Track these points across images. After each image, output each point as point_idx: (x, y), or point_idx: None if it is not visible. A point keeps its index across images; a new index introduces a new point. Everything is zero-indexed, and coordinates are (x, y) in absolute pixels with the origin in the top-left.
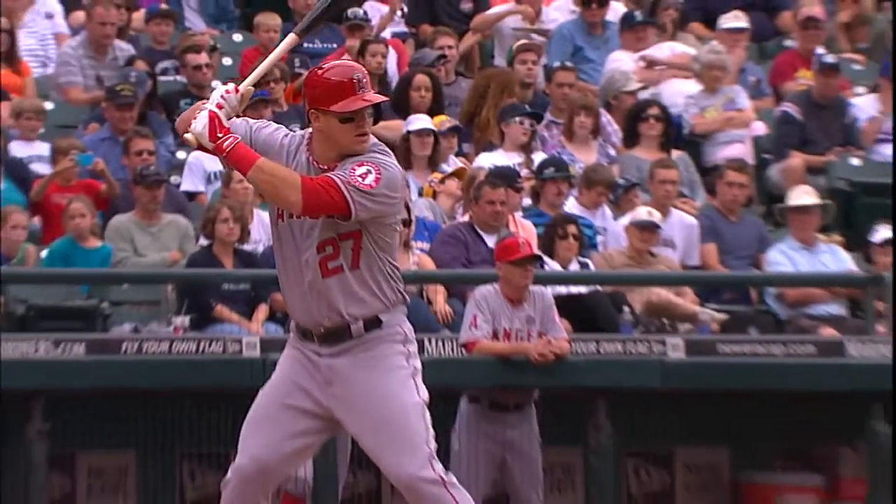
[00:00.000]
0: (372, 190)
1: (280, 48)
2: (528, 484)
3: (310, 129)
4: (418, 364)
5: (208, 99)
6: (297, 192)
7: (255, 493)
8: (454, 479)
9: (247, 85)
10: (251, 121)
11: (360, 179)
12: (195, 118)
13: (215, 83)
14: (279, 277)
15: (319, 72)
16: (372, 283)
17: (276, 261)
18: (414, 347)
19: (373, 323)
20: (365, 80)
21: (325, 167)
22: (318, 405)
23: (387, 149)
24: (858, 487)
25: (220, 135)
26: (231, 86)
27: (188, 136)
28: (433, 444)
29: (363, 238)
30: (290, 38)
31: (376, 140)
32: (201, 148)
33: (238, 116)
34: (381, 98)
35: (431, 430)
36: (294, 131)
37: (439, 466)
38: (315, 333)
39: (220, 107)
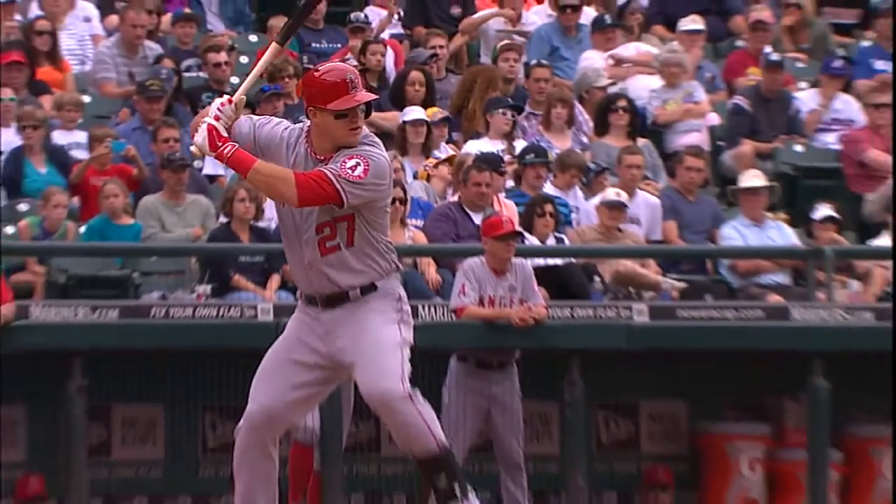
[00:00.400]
0: (361, 180)
1: (265, 58)
2: (510, 433)
3: (307, 123)
4: (408, 318)
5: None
6: (291, 188)
7: (262, 437)
8: (420, 397)
9: (239, 95)
10: (254, 118)
11: (350, 171)
12: (196, 132)
13: (234, 79)
14: (285, 253)
15: (316, 74)
16: (366, 258)
17: (282, 239)
18: (406, 307)
19: (369, 288)
20: (357, 81)
21: (322, 157)
22: (320, 356)
23: (376, 139)
24: (801, 436)
25: (219, 144)
26: (225, 98)
27: (192, 147)
28: (407, 370)
29: (356, 220)
30: (273, 48)
31: (367, 132)
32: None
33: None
34: (371, 96)
35: (408, 364)
36: (295, 123)
37: (408, 386)
38: (318, 299)
39: (217, 118)
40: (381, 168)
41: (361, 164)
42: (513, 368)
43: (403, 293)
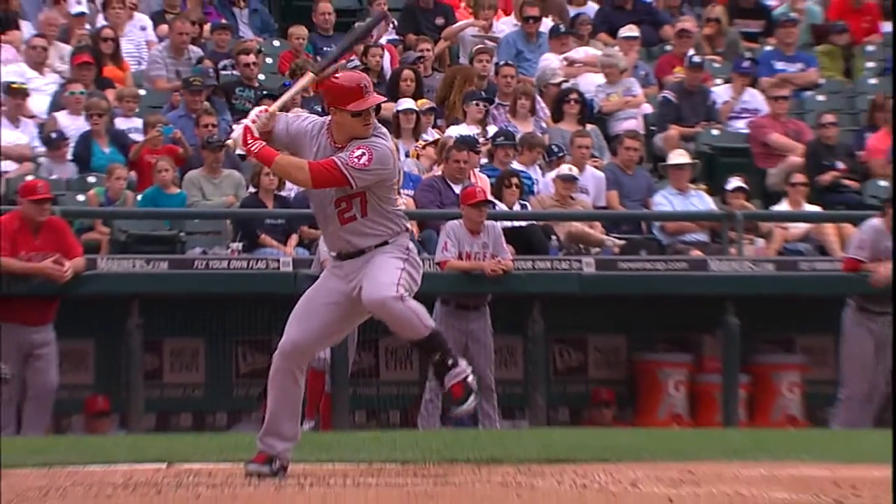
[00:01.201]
0: (366, 167)
1: (301, 84)
2: (484, 362)
3: (328, 118)
4: (414, 262)
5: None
6: (305, 174)
7: (291, 366)
8: (411, 298)
9: (274, 108)
10: (288, 115)
11: (356, 160)
12: (235, 129)
13: (261, 76)
14: (318, 222)
15: (336, 80)
16: (378, 224)
17: (314, 213)
18: (414, 255)
19: (382, 244)
20: (369, 86)
21: (340, 146)
22: (340, 294)
23: (384, 131)
24: (716, 363)
25: (249, 141)
26: (264, 107)
27: (229, 141)
28: (403, 283)
29: (367, 195)
30: (309, 76)
31: (378, 125)
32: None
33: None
34: (380, 99)
35: (405, 281)
36: (317, 117)
37: (401, 290)
38: (341, 255)
39: (253, 122)
40: (384, 155)
41: (366, 153)
42: (486, 309)
43: (413, 246)
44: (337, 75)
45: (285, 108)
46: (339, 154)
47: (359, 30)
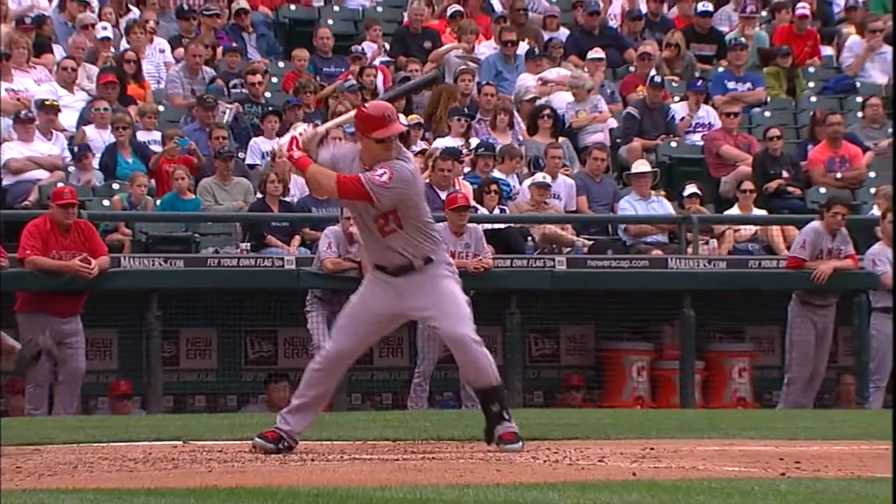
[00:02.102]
0: (386, 185)
1: (345, 116)
2: None
3: (359, 145)
4: (457, 277)
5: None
6: (333, 184)
7: (334, 369)
8: (483, 343)
9: (322, 129)
10: (334, 149)
11: (378, 178)
12: (282, 138)
13: (267, 94)
14: (362, 238)
15: (364, 110)
16: (413, 237)
17: (359, 230)
18: (454, 268)
19: (428, 260)
20: (394, 116)
21: (367, 168)
22: (391, 311)
23: (409, 155)
24: (675, 351)
25: (293, 148)
26: (311, 125)
27: (274, 145)
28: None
29: (399, 212)
30: (352, 113)
31: (403, 149)
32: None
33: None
34: (402, 128)
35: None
36: (355, 145)
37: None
38: (389, 270)
39: (300, 134)
40: (403, 175)
41: (387, 172)
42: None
43: (451, 261)
44: (366, 105)
45: (327, 133)
46: (366, 172)
47: (411, 84)
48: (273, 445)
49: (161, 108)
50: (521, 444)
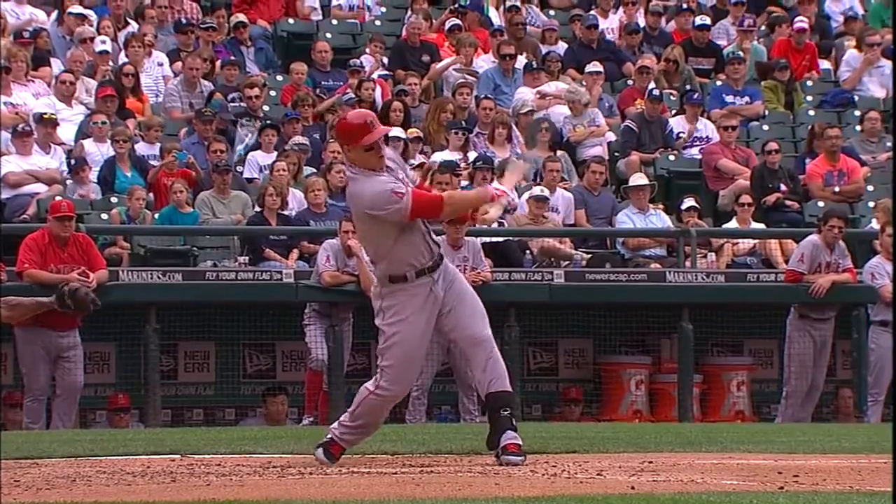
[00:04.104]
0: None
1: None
2: (465, 362)
3: (348, 166)
4: None
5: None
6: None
7: (395, 402)
8: None
9: (498, 185)
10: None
11: (406, 186)
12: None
13: (265, 107)
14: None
15: (343, 120)
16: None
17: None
18: None
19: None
20: (375, 121)
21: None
22: (435, 315)
23: (394, 160)
24: (673, 364)
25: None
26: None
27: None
28: None
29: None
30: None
31: (391, 154)
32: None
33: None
34: (388, 129)
35: None
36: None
37: None
38: (432, 266)
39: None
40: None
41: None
42: None
43: None
44: (344, 116)
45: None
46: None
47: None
48: (334, 461)
49: (159, 121)
50: (523, 457)
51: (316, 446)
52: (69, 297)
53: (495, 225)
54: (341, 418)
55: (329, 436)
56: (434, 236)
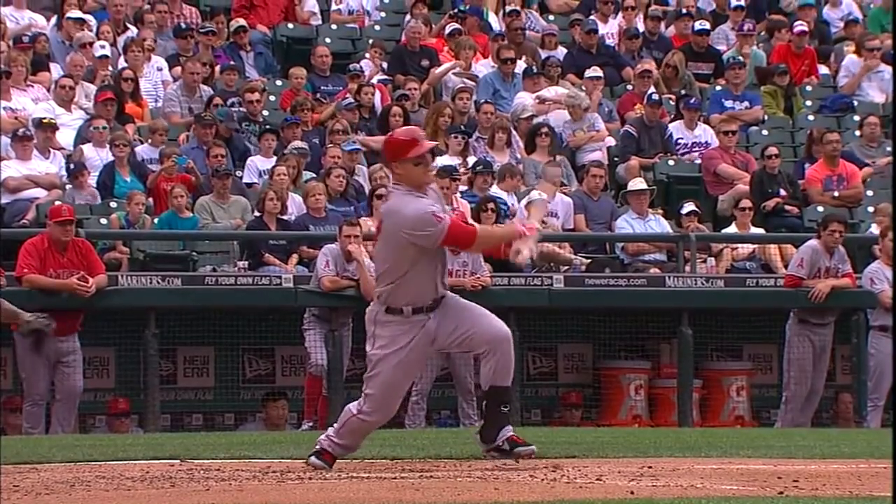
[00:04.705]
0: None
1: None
2: (464, 368)
3: (392, 185)
4: None
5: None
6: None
7: (379, 425)
8: None
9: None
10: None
11: (443, 214)
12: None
13: (265, 112)
14: (407, 274)
15: (392, 136)
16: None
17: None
18: None
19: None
20: (421, 135)
21: (425, 194)
22: (428, 355)
23: (435, 190)
24: (672, 369)
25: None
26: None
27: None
28: None
29: None
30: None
31: (432, 185)
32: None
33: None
34: (432, 144)
35: None
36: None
37: None
38: (433, 304)
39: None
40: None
41: (433, 206)
42: None
43: None
44: (393, 132)
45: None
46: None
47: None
48: (329, 467)
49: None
50: (532, 446)
51: (309, 455)
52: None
53: None
54: (328, 431)
55: (318, 446)
56: (446, 277)
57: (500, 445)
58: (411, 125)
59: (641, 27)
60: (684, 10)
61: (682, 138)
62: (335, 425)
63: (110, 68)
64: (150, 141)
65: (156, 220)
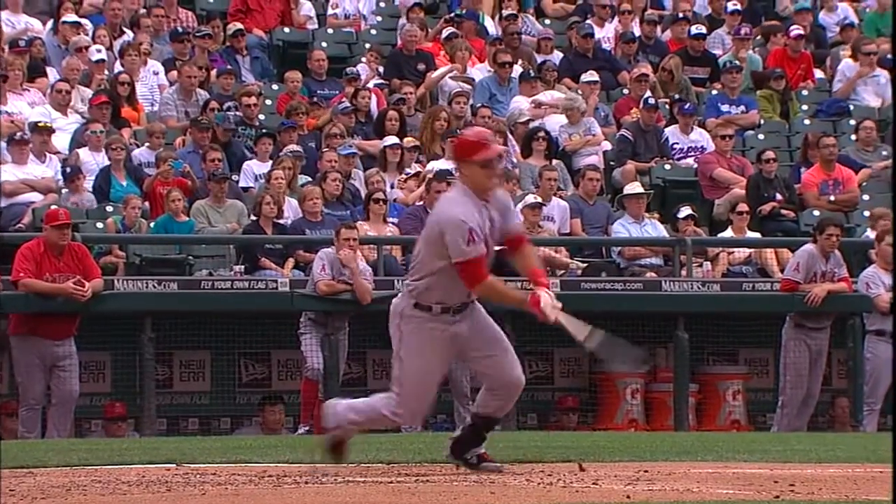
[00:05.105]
0: (474, 241)
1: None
2: (460, 372)
3: (457, 185)
4: None
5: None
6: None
7: (404, 424)
8: None
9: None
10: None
11: (466, 247)
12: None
13: (261, 116)
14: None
15: (461, 135)
16: None
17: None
18: None
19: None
20: (493, 138)
21: (485, 200)
22: (452, 348)
23: (506, 205)
24: (668, 373)
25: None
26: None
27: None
28: None
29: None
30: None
31: (504, 201)
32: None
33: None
34: (502, 149)
35: None
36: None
37: None
38: (460, 307)
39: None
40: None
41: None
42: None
43: None
44: (463, 131)
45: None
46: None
47: (619, 355)
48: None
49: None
50: (502, 465)
51: (325, 447)
52: None
53: None
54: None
55: (334, 424)
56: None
57: (469, 459)
58: (407, 130)
59: (637, 31)
60: (680, 15)
61: (677, 143)
62: (355, 406)
63: (106, 72)
64: (147, 144)
65: (152, 224)
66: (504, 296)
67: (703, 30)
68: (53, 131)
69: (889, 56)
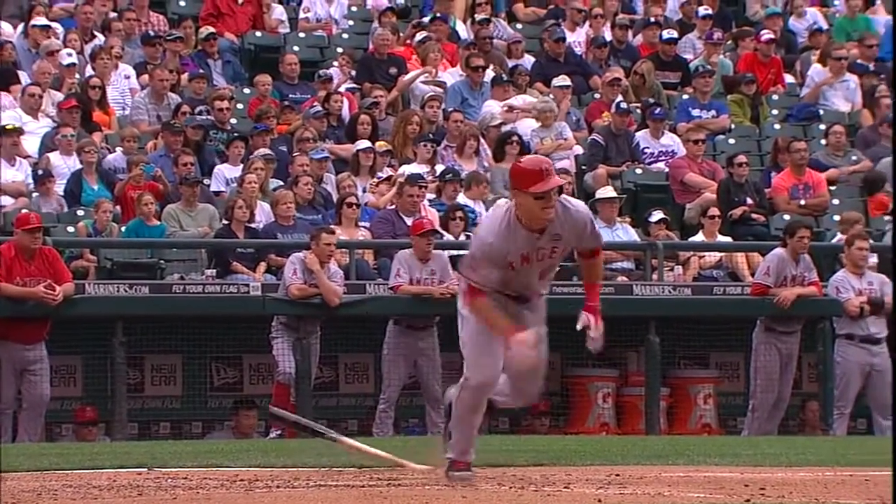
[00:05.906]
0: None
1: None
2: (432, 377)
3: (507, 208)
4: None
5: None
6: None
7: (484, 398)
8: None
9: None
10: (493, 255)
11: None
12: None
13: (233, 120)
14: (493, 273)
15: (519, 163)
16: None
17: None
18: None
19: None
20: (550, 170)
21: (536, 230)
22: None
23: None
24: (640, 377)
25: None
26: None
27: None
28: None
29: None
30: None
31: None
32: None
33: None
34: (560, 182)
35: None
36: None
37: None
38: (522, 297)
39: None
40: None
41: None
42: (434, 329)
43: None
44: (521, 159)
45: None
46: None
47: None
48: (470, 472)
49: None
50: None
51: (447, 471)
52: None
53: (462, 238)
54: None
55: (447, 454)
56: (533, 285)
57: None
58: (379, 134)
59: (609, 36)
60: (652, 19)
61: (648, 147)
62: (446, 425)
63: (77, 76)
64: (119, 149)
65: (123, 229)
66: (489, 322)
67: (675, 34)
68: (23, 132)
69: (859, 61)
